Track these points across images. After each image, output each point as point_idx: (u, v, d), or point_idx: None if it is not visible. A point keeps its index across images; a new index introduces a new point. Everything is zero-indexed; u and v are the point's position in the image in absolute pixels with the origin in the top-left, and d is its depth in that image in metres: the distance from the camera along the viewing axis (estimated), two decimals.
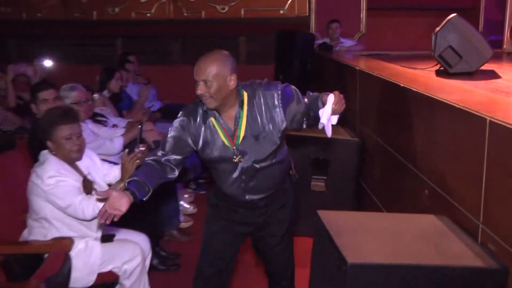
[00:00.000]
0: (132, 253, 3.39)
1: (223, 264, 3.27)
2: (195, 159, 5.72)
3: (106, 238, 3.45)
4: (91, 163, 3.61)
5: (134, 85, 6.98)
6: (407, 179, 3.61)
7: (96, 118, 5.03)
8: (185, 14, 9.13)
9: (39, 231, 3.31)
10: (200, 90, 2.79)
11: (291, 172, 3.31)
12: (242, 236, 3.31)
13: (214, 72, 2.77)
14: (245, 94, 2.94)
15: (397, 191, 3.89)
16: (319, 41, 8.10)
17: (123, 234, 3.59)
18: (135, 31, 9.34)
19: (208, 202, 3.33)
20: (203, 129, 2.94)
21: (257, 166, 2.98)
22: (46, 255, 3.02)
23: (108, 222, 2.63)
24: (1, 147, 4.61)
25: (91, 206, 3.17)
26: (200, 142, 2.95)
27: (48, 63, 6.70)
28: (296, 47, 6.98)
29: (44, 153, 3.40)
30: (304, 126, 2.98)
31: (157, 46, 9.40)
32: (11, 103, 5.79)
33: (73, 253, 3.20)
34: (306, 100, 2.92)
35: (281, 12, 8.78)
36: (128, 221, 4.17)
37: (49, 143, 3.33)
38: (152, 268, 4.06)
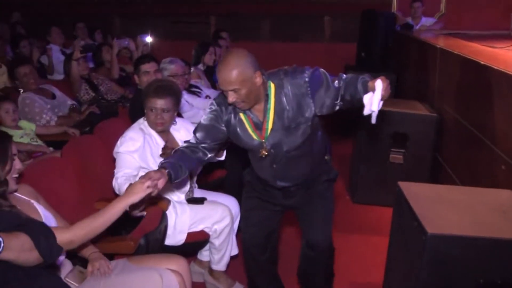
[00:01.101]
0: (221, 214, 3.40)
1: (263, 237, 3.14)
2: None
3: (196, 200, 3.48)
4: (186, 135, 3.55)
5: None
6: (484, 154, 3.47)
7: (191, 90, 5.08)
8: None
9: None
10: (232, 98, 2.61)
11: (326, 157, 3.08)
12: (277, 212, 3.15)
13: (239, 79, 2.56)
14: (272, 86, 2.71)
15: (474, 165, 3.75)
16: (402, 22, 7.89)
17: (214, 196, 3.61)
18: (227, 9, 9.36)
19: (244, 179, 3.20)
20: (232, 118, 2.80)
21: (288, 155, 2.83)
22: (144, 213, 3.04)
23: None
24: (107, 114, 4.75)
25: (123, 185, 3.05)
26: (231, 130, 2.82)
27: (149, 39, 6.77)
28: (378, 26, 6.79)
29: (140, 120, 3.45)
30: (337, 108, 2.71)
31: (247, 23, 9.37)
32: (115, 75, 5.95)
33: (168, 212, 3.26)
34: (336, 83, 2.66)
35: None
36: (220, 185, 4.26)
37: (145, 110, 3.38)
38: (240, 230, 4.08)
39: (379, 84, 2.36)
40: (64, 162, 3.35)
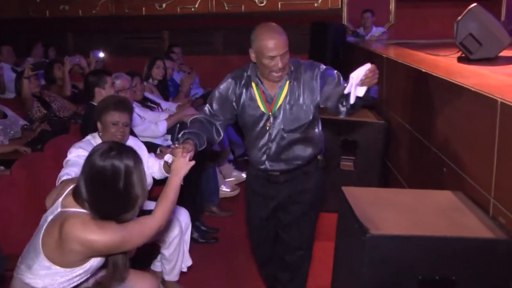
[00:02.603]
0: (170, 225, 3.44)
1: (265, 233, 3.35)
2: (236, 139, 5.80)
3: (144, 212, 3.49)
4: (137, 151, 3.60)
5: (179, 74, 7.06)
6: (428, 158, 3.58)
7: (145, 103, 5.12)
8: (226, 8, 9.17)
9: None
10: (282, 63, 2.82)
11: (318, 157, 3.24)
12: (272, 210, 3.29)
13: (286, 43, 2.84)
14: (292, 67, 2.97)
15: (419, 169, 3.87)
16: (367, 34, 8.08)
17: None
18: (180, 24, 9.41)
19: (246, 179, 3.46)
20: (244, 92, 3.00)
21: (285, 135, 3.00)
22: None
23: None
24: (57, 131, 4.74)
25: None
26: (240, 104, 3.01)
27: (101, 54, 6.80)
28: (328, 38, 6.95)
29: (89, 136, 3.46)
30: (342, 114, 2.93)
31: (200, 37, 9.44)
32: (67, 92, 5.93)
33: None
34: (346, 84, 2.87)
35: (315, 5, 8.76)
36: None
37: (98, 124, 3.39)
38: (192, 241, 4.14)
39: (366, 65, 2.63)
40: (13, 179, 3.36)
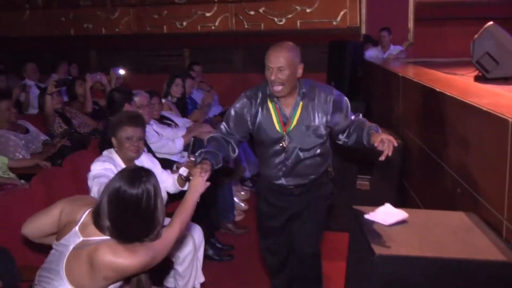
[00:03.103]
0: (184, 241, 3.46)
1: (277, 242, 3.42)
2: (252, 157, 5.81)
3: None
4: (151, 166, 3.63)
5: (198, 92, 7.11)
6: (443, 178, 3.56)
7: (163, 121, 5.16)
8: (246, 26, 9.26)
9: None
10: (274, 76, 2.90)
11: (328, 168, 3.34)
12: (285, 221, 3.36)
13: (288, 60, 2.90)
14: (304, 89, 3.05)
15: (434, 189, 3.84)
16: (370, 51, 8.06)
17: None
18: (200, 42, 9.50)
19: (257, 190, 3.50)
20: (260, 110, 3.06)
21: (301, 153, 3.08)
22: None
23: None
24: (77, 147, 4.80)
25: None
26: (256, 123, 3.07)
27: (122, 71, 6.87)
28: (346, 56, 6.93)
29: (105, 152, 3.51)
30: (341, 142, 3.17)
31: (220, 55, 9.53)
32: (88, 108, 6.01)
33: None
34: (353, 117, 3.09)
35: (334, 23, 8.81)
36: None
37: (113, 139, 3.43)
38: (207, 257, 4.15)
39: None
40: (31, 193, 3.41)
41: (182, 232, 2.65)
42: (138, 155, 3.49)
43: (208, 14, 9.46)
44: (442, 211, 3.07)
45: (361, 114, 3.15)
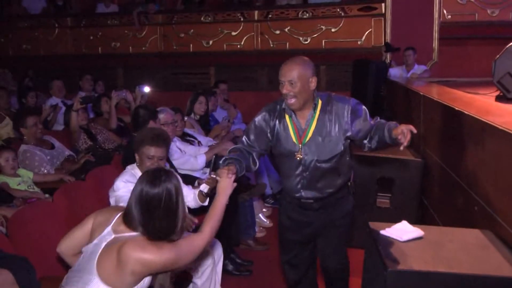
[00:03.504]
0: (203, 254, 3.49)
1: (297, 256, 3.45)
2: (275, 175, 5.85)
3: None
4: None
5: (223, 110, 7.19)
6: (461, 196, 3.56)
7: (185, 138, 5.24)
8: (271, 46, 9.37)
9: None
10: (286, 89, 3.02)
11: (349, 183, 3.38)
12: (307, 236, 3.40)
13: (298, 73, 3.00)
14: (320, 101, 3.12)
15: (453, 207, 3.84)
16: (394, 69, 8.09)
17: None
18: (226, 61, 9.62)
19: (279, 204, 3.57)
20: (277, 123, 3.15)
21: (319, 165, 3.13)
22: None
23: None
24: (101, 162, 4.91)
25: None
26: (274, 135, 3.16)
27: (147, 89, 6.99)
28: (370, 75, 6.97)
29: (129, 167, 3.59)
30: (366, 148, 3.16)
31: (245, 74, 9.63)
32: (113, 125, 6.11)
33: None
34: (372, 122, 3.10)
35: (359, 43, 8.87)
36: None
37: (136, 155, 3.52)
38: (227, 272, 4.19)
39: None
40: (54, 206, 3.51)
41: (212, 239, 2.77)
42: None
43: (234, 33, 9.60)
44: (458, 228, 3.09)
45: (379, 117, 3.18)
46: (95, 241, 2.55)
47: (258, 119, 3.22)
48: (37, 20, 10.83)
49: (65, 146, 5.53)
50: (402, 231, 2.78)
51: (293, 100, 3.03)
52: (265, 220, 5.72)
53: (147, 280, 2.55)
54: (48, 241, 3.14)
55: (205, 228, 2.73)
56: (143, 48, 10.12)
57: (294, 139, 3.12)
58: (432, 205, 4.46)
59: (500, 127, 2.80)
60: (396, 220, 4.33)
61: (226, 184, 2.89)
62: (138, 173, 3.50)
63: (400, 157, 4.85)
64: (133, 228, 2.52)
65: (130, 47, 10.20)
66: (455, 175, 3.71)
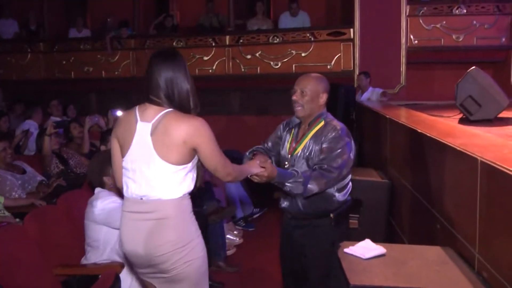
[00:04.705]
0: None
1: (288, 268, 3.59)
2: (246, 198, 5.92)
3: None
4: None
5: None
6: (424, 215, 3.67)
7: None
8: (243, 70, 9.48)
9: (93, 254, 3.54)
10: (296, 96, 3.28)
11: (331, 215, 3.42)
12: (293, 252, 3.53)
13: (311, 85, 3.28)
14: (322, 122, 3.32)
15: (418, 226, 3.95)
16: (363, 94, 8.25)
17: None
18: (198, 85, 9.61)
19: None
20: (286, 133, 3.44)
21: None
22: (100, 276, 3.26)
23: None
24: (72, 186, 4.93)
25: None
26: (281, 143, 3.45)
27: (120, 113, 7.04)
28: (339, 98, 7.10)
29: (98, 189, 3.64)
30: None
31: (218, 98, 9.70)
32: (85, 150, 6.16)
33: (122, 275, 3.40)
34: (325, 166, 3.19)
35: (328, 67, 9.03)
36: None
37: (105, 179, 3.58)
38: None
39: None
40: (24, 229, 3.53)
41: (230, 177, 2.89)
42: None
43: (206, 58, 9.70)
44: (420, 245, 3.19)
45: (323, 171, 3.21)
46: (136, 138, 2.71)
47: (277, 128, 3.52)
48: (9, 44, 10.83)
49: (36, 170, 5.55)
50: (365, 249, 2.87)
51: (299, 108, 3.28)
52: (234, 238, 5.77)
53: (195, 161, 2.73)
54: (18, 265, 3.17)
55: (233, 166, 2.89)
56: (116, 73, 10.17)
57: (287, 148, 3.36)
58: (398, 225, 4.57)
59: (458, 148, 2.92)
60: (365, 239, 4.44)
61: (254, 163, 3.09)
62: (108, 192, 3.57)
63: (368, 178, 4.96)
64: (162, 105, 2.70)
65: (103, 72, 10.24)
66: (419, 195, 3.83)
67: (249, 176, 3.06)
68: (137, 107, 2.80)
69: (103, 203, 3.50)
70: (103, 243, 3.52)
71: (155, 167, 2.64)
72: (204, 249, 2.79)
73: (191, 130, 2.66)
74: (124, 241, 2.74)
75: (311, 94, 3.27)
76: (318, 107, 3.34)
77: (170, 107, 2.70)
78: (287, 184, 3.11)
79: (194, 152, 2.70)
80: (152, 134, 2.66)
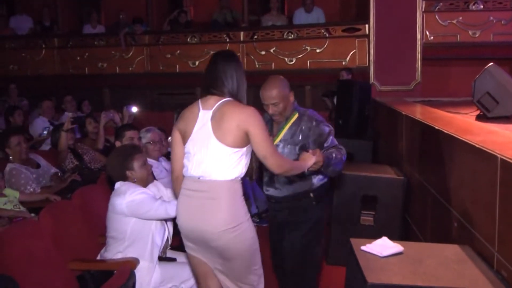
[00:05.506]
0: (189, 274, 3.53)
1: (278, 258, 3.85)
2: (261, 194, 5.90)
3: (167, 259, 3.64)
4: (158, 194, 3.82)
5: None
6: (441, 213, 3.65)
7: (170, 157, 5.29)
8: (257, 66, 9.45)
9: (115, 247, 3.55)
10: (272, 110, 3.47)
11: (311, 194, 3.65)
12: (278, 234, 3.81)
13: (278, 94, 3.43)
14: (296, 115, 3.55)
15: (434, 224, 3.93)
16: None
17: (183, 257, 3.77)
18: None
19: None
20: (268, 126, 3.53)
21: None
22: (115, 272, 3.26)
23: None
24: (87, 182, 4.94)
25: (173, 205, 3.37)
26: None
27: (134, 109, 7.06)
28: (354, 95, 7.06)
29: (120, 183, 3.64)
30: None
31: None
32: (100, 145, 6.15)
33: (137, 271, 3.40)
34: (326, 145, 3.49)
35: (343, 63, 8.97)
36: None
37: (128, 173, 3.60)
38: None
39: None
40: (40, 224, 3.53)
41: (280, 169, 3.00)
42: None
43: None
44: (437, 244, 3.16)
45: (336, 148, 3.50)
46: (198, 125, 2.93)
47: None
48: (24, 40, 10.87)
49: (51, 165, 5.56)
50: (382, 246, 2.85)
51: (278, 117, 3.51)
52: None
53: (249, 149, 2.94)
54: (33, 259, 3.18)
55: (284, 159, 3.11)
56: (130, 69, 10.16)
57: None
58: (414, 222, 4.55)
59: (477, 146, 2.90)
60: (380, 237, 4.42)
61: (308, 156, 3.19)
62: (133, 185, 3.60)
63: (383, 175, 4.95)
64: (223, 95, 2.93)
65: (117, 68, 10.25)
66: (436, 193, 3.80)
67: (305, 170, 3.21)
68: (199, 100, 3.02)
69: (132, 194, 3.51)
70: (129, 234, 3.52)
71: (213, 148, 2.87)
72: (254, 231, 3.02)
73: (243, 116, 2.86)
74: (180, 215, 2.99)
75: (282, 100, 3.45)
76: (290, 105, 3.54)
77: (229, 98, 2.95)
78: (332, 162, 3.35)
79: (247, 137, 2.88)
80: (212, 119, 2.90)
